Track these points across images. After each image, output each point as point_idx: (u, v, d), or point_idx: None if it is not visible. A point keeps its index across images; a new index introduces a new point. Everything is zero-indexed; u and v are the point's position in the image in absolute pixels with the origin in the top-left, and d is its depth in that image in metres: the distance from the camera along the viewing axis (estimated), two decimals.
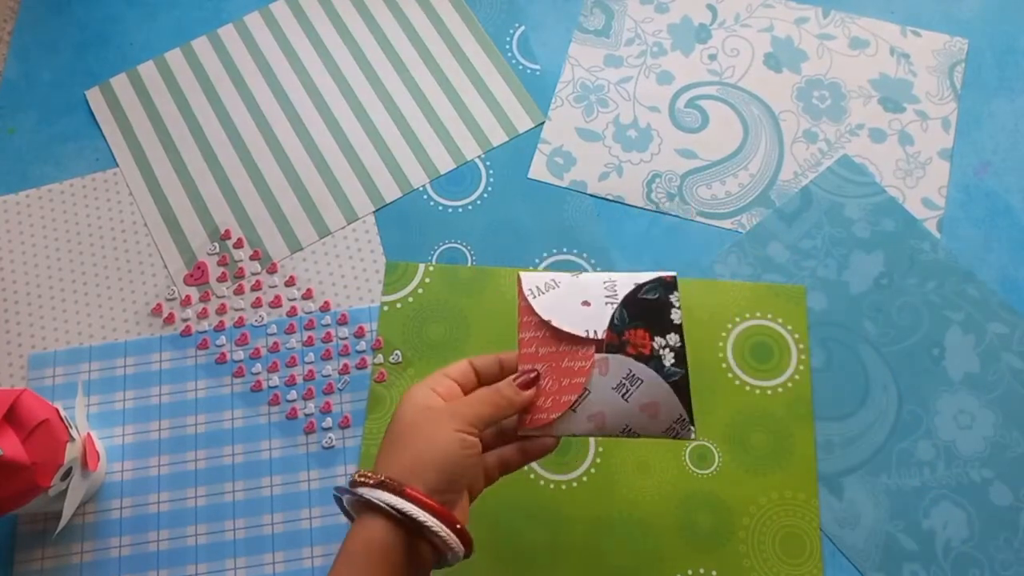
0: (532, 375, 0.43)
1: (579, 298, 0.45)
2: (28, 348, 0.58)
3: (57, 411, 0.49)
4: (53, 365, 0.57)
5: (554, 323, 0.44)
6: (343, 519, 0.53)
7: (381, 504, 0.37)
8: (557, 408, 0.44)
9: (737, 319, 0.58)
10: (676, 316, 0.45)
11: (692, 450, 0.55)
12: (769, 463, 0.54)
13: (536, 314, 0.45)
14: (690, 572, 0.52)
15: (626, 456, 0.55)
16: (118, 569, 0.52)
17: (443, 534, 0.37)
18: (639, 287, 0.45)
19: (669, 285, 0.46)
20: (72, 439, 0.49)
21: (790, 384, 0.56)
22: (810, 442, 0.55)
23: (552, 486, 0.54)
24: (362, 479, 0.39)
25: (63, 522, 0.49)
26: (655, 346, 0.44)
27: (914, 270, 0.59)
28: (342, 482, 0.54)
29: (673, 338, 0.44)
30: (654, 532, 0.53)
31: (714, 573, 0.52)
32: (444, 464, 0.38)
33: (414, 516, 0.37)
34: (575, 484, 0.54)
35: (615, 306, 0.45)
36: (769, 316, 0.58)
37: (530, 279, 0.46)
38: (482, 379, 0.44)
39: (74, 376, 0.57)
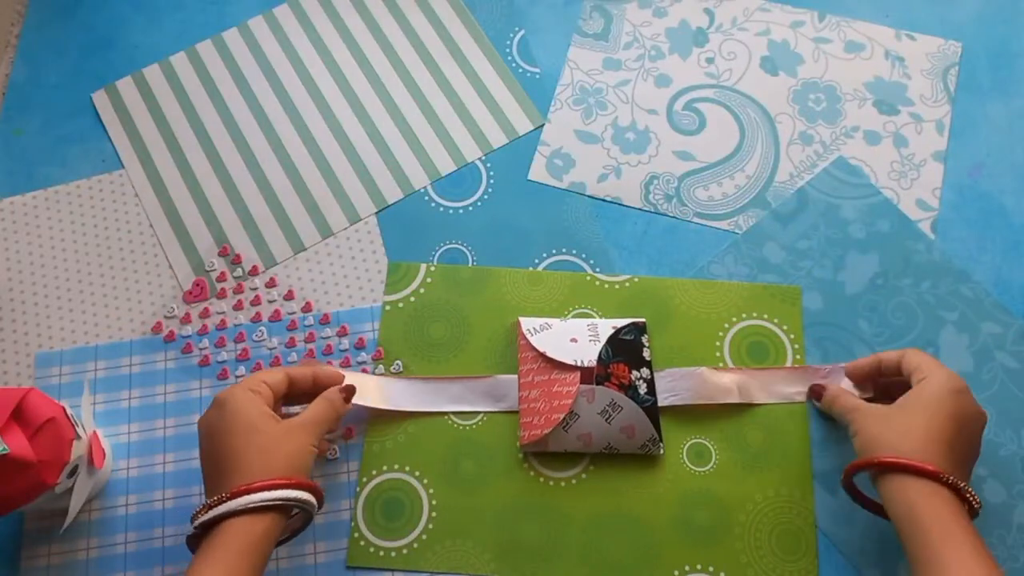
0: (352, 389, 0.52)
1: (568, 336, 0.55)
2: (35, 347, 0.59)
3: (63, 409, 0.49)
4: (59, 364, 0.58)
5: (548, 354, 0.55)
6: (346, 515, 0.54)
7: (232, 510, 0.42)
8: (548, 424, 0.53)
9: (734, 319, 0.59)
10: (647, 354, 0.56)
11: (690, 447, 0.55)
12: (765, 460, 0.55)
13: (533, 348, 0.55)
14: (687, 568, 0.53)
15: (624, 454, 0.55)
16: (124, 565, 0.53)
17: (298, 495, 0.44)
18: (618, 330, 0.56)
19: (641, 328, 0.57)
20: (78, 437, 0.49)
21: None
22: (806, 440, 0.55)
23: (552, 483, 0.55)
24: (205, 509, 0.43)
25: (69, 519, 0.50)
26: (632, 377, 0.54)
27: (909, 270, 0.60)
28: (344, 479, 0.55)
29: (645, 372, 0.55)
30: (652, 529, 0.53)
31: (711, 569, 0.52)
32: (299, 463, 0.46)
33: (269, 501, 0.43)
34: (574, 481, 0.55)
35: (599, 344, 0.55)
36: (765, 316, 0.59)
37: (527, 321, 0.57)
38: (294, 388, 0.50)
39: (80, 375, 0.58)
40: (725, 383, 0.56)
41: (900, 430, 0.47)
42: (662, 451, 0.54)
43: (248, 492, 0.43)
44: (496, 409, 0.56)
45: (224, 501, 0.43)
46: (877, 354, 0.54)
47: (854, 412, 0.50)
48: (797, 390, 0.56)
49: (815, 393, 0.55)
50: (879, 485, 0.47)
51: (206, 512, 0.43)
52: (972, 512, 0.45)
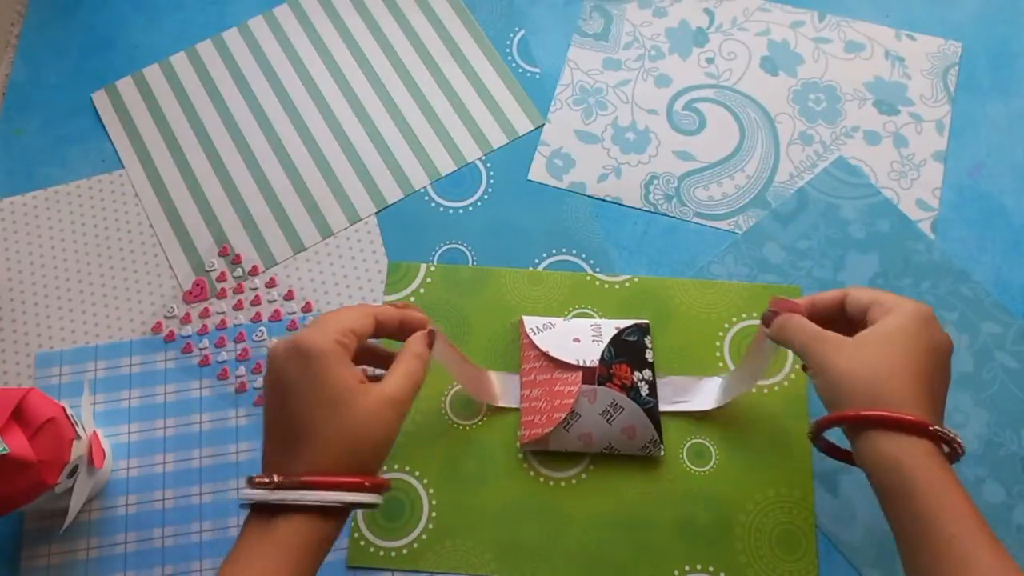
0: (434, 334, 0.45)
1: (571, 336, 0.55)
2: (35, 347, 0.59)
3: (63, 409, 0.49)
4: (59, 364, 0.58)
5: (551, 354, 0.55)
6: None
7: (306, 504, 0.36)
8: (549, 423, 0.53)
9: (733, 319, 0.59)
10: (649, 355, 0.56)
11: (690, 447, 0.55)
12: (765, 461, 0.55)
13: (536, 348, 0.55)
14: (687, 568, 0.53)
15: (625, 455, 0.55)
16: (124, 565, 0.53)
17: (371, 499, 0.39)
18: (621, 331, 0.56)
19: (644, 329, 0.56)
20: (78, 437, 0.49)
21: (786, 383, 0.57)
22: (806, 440, 0.55)
23: (552, 483, 0.55)
24: (271, 484, 0.37)
25: (69, 519, 0.50)
26: (635, 378, 0.54)
27: (909, 270, 0.60)
28: None
29: (647, 373, 0.55)
30: (652, 529, 0.53)
31: (711, 569, 0.52)
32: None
33: (345, 501, 0.37)
34: (575, 481, 0.55)
35: (602, 344, 0.55)
36: None
37: (530, 320, 0.57)
38: (379, 331, 0.43)
39: (80, 375, 0.58)
40: (718, 388, 0.56)
41: (877, 368, 0.39)
42: (662, 452, 0.54)
43: (324, 487, 0.36)
44: (501, 404, 0.56)
45: (295, 488, 0.36)
46: (809, 296, 0.44)
47: (815, 342, 0.41)
48: (769, 346, 0.49)
49: (766, 320, 0.46)
50: (854, 441, 0.40)
51: (273, 491, 0.36)
52: (954, 458, 0.39)
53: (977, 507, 0.37)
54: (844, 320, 0.43)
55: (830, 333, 0.41)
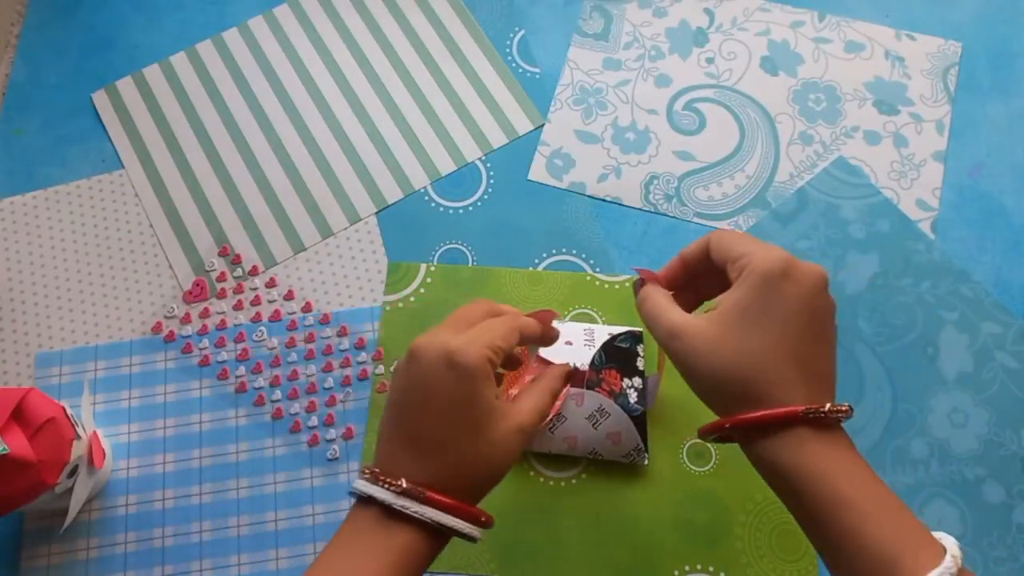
0: (572, 370, 0.46)
1: (563, 339, 0.53)
2: (35, 347, 0.59)
3: (63, 409, 0.49)
4: (59, 364, 0.58)
5: (541, 354, 0.53)
6: (345, 516, 0.54)
7: (426, 520, 0.36)
8: None
9: None
10: (640, 363, 0.55)
11: (690, 447, 0.55)
12: None
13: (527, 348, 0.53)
14: (687, 568, 0.53)
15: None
16: (124, 565, 0.53)
17: (479, 535, 0.38)
18: (614, 336, 0.55)
19: (637, 337, 0.56)
20: (78, 437, 0.49)
21: None
22: None
23: (552, 483, 0.55)
24: (396, 486, 0.36)
25: (69, 518, 0.50)
26: (624, 385, 0.54)
27: (909, 270, 0.60)
28: (344, 479, 0.55)
29: (637, 381, 0.54)
30: (652, 528, 0.53)
31: (711, 569, 0.52)
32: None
33: (459, 530, 0.36)
34: (575, 481, 0.55)
35: (594, 349, 0.54)
36: None
37: None
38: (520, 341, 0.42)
39: (80, 375, 0.58)
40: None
41: (734, 366, 0.36)
42: (647, 461, 0.54)
43: (446, 509, 0.36)
44: None
45: (420, 500, 0.35)
46: (680, 253, 0.42)
47: (670, 341, 0.38)
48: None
49: (635, 291, 0.43)
50: (740, 445, 0.38)
51: (397, 495, 0.35)
52: (842, 421, 0.36)
53: (871, 476, 0.35)
54: (717, 269, 0.40)
55: (686, 325, 0.38)
